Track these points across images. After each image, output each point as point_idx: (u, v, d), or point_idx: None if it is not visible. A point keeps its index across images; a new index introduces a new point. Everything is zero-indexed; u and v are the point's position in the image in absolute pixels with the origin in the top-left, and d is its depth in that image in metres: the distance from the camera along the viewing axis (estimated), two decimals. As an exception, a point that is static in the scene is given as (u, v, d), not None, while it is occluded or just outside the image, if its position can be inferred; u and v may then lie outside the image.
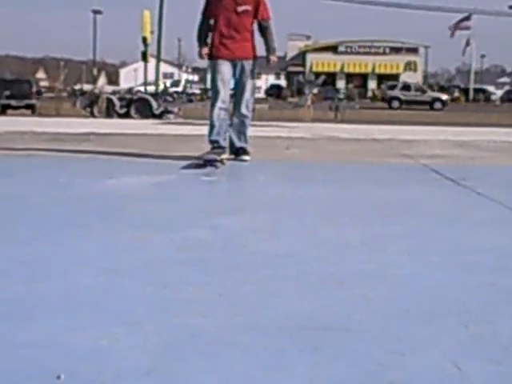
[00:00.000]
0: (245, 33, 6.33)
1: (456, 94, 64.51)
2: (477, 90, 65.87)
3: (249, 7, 6.24)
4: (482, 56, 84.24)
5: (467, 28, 58.87)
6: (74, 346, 1.87)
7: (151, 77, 32.61)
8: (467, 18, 58.67)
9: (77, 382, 1.65)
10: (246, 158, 6.57)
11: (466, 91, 64.99)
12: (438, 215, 4.13)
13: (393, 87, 53.10)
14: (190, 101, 50.58)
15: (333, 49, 71.54)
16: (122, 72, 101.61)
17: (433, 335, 2.02)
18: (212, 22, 6.41)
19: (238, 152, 6.60)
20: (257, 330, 2.03)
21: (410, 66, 70.68)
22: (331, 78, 62.72)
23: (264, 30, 6.46)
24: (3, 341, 1.90)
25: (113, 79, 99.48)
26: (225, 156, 6.23)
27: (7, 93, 32.52)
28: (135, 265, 2.78)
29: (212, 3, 6.40)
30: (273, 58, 6.49)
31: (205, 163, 5.95)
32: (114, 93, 29.76)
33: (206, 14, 6.46)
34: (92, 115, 24.61)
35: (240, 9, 6.21)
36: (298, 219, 3.90)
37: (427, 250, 3.15)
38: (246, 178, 5.06)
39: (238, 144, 6.61)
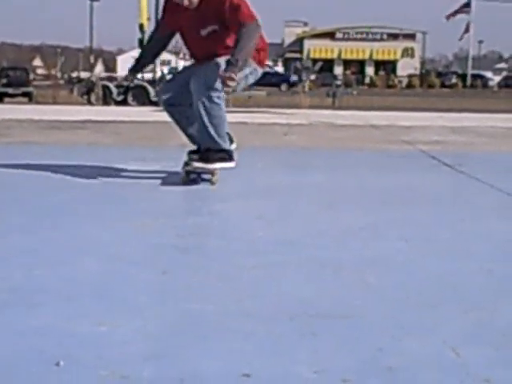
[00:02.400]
0: (217, 57, 4.45)
1: (454, 79, 64.49)
2: (474, 76, 65.73)
3: (215, 26, 4.52)
4: (480, 42, 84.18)
5: (465, 12, 58.78)
6: (74, 332, 1.88)
7: (148, 64, 32.47)
8: (467, 5, 58.57)
9: (77, 368, 1.65)
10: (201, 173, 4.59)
11: (463, 77, 64.87)
12: (435, 201, 4.14)
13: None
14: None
15: (330, 35, 71.43)
16: (120, 59, 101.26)
17: (432, 321, 2.03)
18: (180, 37, 4.91)
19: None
20: (257, 315, 2.04)
21: (407, 52, 70.63)
22: (328, 64, 62.70)
23: (239, 37, 4.34)
24: (4, 328, 1.91)
25: (110, 66, 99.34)
26: (216, 165, 4.54)
27: (4, 81, 32.49)
28: (136, 251, 2.79)
29: (170, 11, 4.86)
30: (222, 74, 4.22)
31: (189, 176, 4.60)
32: (108, 79, 29.65)
33: (162, 23, 5.08)
34: (89, 103, 24.57)
35: (204, 32, 4.56)
36: (297, 205, 3.91)
37: (426, 237, 3.16)
38: (245, 165, 5.05)
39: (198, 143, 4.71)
